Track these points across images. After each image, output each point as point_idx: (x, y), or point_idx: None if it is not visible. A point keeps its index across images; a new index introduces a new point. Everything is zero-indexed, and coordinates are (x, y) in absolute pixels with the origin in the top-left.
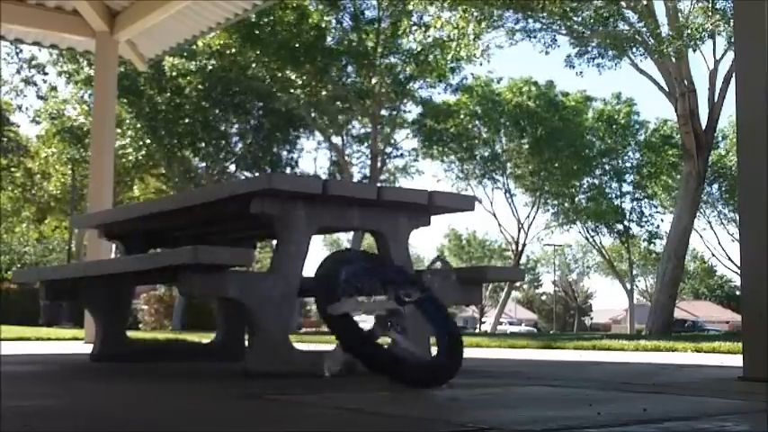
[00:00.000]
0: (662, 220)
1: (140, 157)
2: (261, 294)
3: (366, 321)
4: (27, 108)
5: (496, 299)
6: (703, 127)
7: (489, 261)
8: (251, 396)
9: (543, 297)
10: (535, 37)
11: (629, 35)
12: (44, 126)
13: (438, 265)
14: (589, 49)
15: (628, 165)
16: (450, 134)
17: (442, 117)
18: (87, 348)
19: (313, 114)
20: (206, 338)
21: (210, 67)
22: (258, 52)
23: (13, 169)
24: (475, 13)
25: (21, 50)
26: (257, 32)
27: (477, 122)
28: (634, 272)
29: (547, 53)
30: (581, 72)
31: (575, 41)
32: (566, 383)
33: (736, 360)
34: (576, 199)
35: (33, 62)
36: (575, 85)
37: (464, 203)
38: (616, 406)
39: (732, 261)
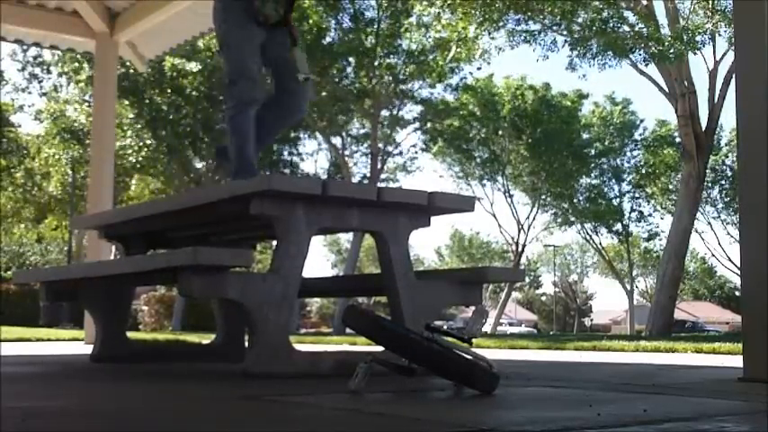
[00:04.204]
0: (662, 218)
1: (141, 158)
2: (260, 295)
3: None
4: (30, 106)
5: (497, 299)
6: (703, 128)
7: (490, 262)
8: (250, 397)
9: (543, 298)
10: (535, 41)
11: (629, 37)
12: (45, 126)
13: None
14: (589, 48)
15: (627, 165)
16: (450, 134)
17: (443, 116)
18: (87, 349)
19: (313, 115)
20: (206, 339)
21: (211, 68)
22: None
23: (13, 170)
24: (477, 16)
25: (27, 48)
26: None
27: (475, 123)
28: (634, 273)
29: (546, 57)
30: (584, 75)
31: (575, 44)
32: (566, 384)
33: (737, 361)
34: (575, 199)
35: (38, 59)
36: (573, 86)
37: (464, 204)
38: (616, 407)
39: (732, 262)
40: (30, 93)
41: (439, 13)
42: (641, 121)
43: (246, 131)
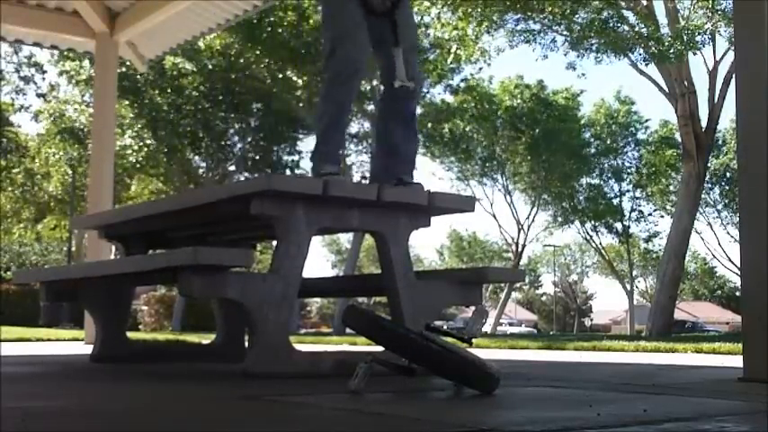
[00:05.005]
0: (662, 216)
1: (141, 158)
2: (260, 295)
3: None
4: (28, 107)
5: (497, 300)
6: (703, 128)
7: (489, 262)
8: (250, 397)
9: (543, 298)
10: (535, 40)
11: (629, 37)
12: (44, 125)
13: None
14: (588, 45)
15: (627, 164)
16: (450, 135)
17: (443, 116)
18: (87, 349)
19: (313, 115)
20: (206, 339)
21: (211, 68)
22: (258, 52)
23: (14, 170)
24: (476, 15)
25: (20, 49)
26: (258, 33)
27: (474, 124)
28: (634, 273)
29: (546, 57)
30: (583, 74)
31: (575, 44)
32: (565, 384)
33: (737, 361)
34: (575, 199)
35: (32, 59)
36: (572, 85)
37: (464, 204)
38: (616, 407)
39: (732, 262)
40: (25, 95)
41: (439, 13)
42: (647, 120)
43: (339, 105)
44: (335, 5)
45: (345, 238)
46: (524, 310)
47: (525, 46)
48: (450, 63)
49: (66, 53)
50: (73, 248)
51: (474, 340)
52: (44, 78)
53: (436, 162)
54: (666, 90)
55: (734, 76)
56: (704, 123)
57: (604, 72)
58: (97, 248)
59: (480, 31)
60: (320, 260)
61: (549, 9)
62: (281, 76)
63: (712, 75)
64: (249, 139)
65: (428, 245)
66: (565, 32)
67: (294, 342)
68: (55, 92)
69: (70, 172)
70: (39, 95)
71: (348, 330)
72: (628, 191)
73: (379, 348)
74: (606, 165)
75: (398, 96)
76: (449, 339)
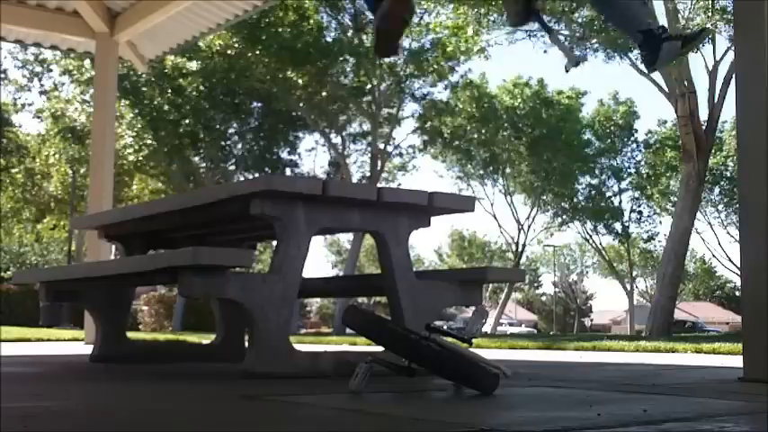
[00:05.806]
0: (660, 222)
1: (141, 158)
2: (261, 295)
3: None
4: (31, 104)
5: (497, 300)
6: (703, 128)
7: (490, 262)
8: (250, 397)
9: (543, 298)
10: (535, 36)
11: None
12: (46, 125)
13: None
14: (589, 44)
15: (627, 164)
16: (450, 134)
17: (443, 113)
18: (87, 349)
19: (313, 116)
20: (206, 339)
21: (211, 68)
22: (259, 53)
23: (13, 170)
24: (475, 16)
25: (27, 47)
26: (258, 33)
27: (474, 124)
28: (634, 273)
29: (545, 52)
30: (583, 60)
31: (575, 43)
32: (566, 384)
33: (737, 361)
34: (575, 198)
35: (40, 56)
36: (572, 84)
37: (464, 204)
38: (616, 407)
39: (732, 262)
40: (29, 90)
41: (438, 12)
42: (637, 118)
43: None
44: None
45: (345, 238)
46: (524, 310)
47: (525, 41)
48: (450, 61)
49: (71, 54)
50: (73, 248)
51: (474, 340)
52: (50, 77)
53: (438, 161)
54: (666, 90)
55: (734, 76)
56: (704, 123)
57: (605, 72)
58: (97, 248)
59: (478, 29)
60: (320, 260)
61: (549, 8)
62: (281, 76)
63: (712, 75)
64: (249, 139)
65: (428, 245)
66: (565, 32)
67: (294, 342)
68: (58, 90)
69: (70, 172)
70: (41, 93)
71: (348, 330)
72: (627, 190)
73: (379, 348)
74: (606, 165)
75: None
76: (449, 339)
